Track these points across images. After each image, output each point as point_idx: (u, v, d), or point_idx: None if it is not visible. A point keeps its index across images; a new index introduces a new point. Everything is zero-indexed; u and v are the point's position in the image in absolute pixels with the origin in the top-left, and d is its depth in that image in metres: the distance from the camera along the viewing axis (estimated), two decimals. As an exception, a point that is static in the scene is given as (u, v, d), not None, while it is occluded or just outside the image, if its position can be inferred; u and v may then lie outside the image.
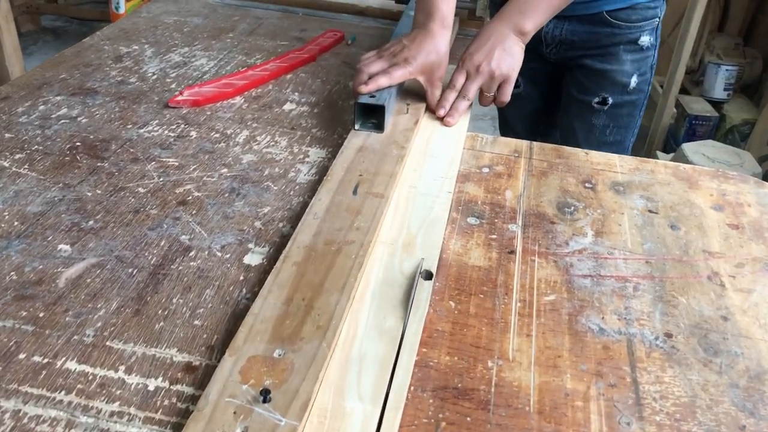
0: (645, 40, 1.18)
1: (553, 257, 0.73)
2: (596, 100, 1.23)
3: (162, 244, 0.70)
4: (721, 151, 2.37)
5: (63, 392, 0.52)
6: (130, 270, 0.66)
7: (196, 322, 0.60)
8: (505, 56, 0.96)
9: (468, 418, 0.54)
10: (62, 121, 0.91)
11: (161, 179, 0.80)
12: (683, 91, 2.76)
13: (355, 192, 0.75)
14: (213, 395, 0.50)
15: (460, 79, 0.97)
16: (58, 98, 0.97)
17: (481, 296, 0.66)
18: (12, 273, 0.64)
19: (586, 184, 0.86)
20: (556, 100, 1.36)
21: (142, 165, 0.83)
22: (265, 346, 0.54)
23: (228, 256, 0.69)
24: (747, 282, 0.71)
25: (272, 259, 0.68)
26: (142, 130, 0.91)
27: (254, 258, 0.69)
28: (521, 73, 1.32)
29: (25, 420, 0.50)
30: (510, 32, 0.97)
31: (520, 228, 0.77)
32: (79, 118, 0.92)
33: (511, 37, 0.97)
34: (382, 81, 0.91)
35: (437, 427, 0.53)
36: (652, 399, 0.57)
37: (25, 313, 0.59)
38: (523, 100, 1.38)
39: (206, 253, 0.69)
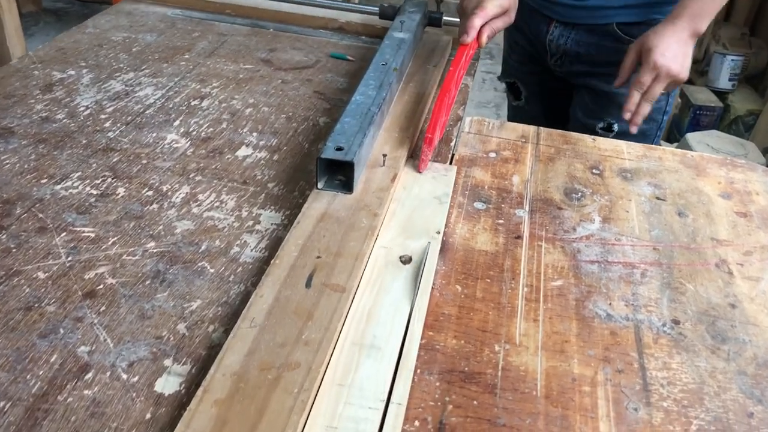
0: None
1: (561, 243, 0.72)
2: (600, 125, 1.15)
3: (53, 360, 0.54)
4: (725, 142, 2.37)
5: None
6: (1, 404, 0.51)
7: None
8: (687, 61, 0.95)
9: (474, 402, 0.53)
10: (-39, 174, 0.75)
11: (69, 258, 0.65)
12: (688, 81, 2.73)
13: (308, 284, 0.60)
14: None
15: (648, 78, 0.94)
16: (-37, 142, 0.81)
17: (488, 281, 0.66)
18: None
19: (594, 171, 0.86)
20: (561, 123, 1.25)
21: (50, 237, 0.67)
22: None
23: (135, 379, 0.53)
24: (755, 270, 0.71)
25: (192, 384, 0.53)
26: (58, 187, 0.74)
27: (169, 383, 0.53)
28: (526, 85, 1.25)
29: None
30: (689, 37, 0.96)
31: (527, 213, 0.77)
32: (-16, 170, 0.76)
33: (690, 43, 0.97)
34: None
35: (444, 410, 0.52)
36: (660, 385, 0.57)
37: None
38: (525, 114, 1.31)
39: (108, 374, 0.54)
